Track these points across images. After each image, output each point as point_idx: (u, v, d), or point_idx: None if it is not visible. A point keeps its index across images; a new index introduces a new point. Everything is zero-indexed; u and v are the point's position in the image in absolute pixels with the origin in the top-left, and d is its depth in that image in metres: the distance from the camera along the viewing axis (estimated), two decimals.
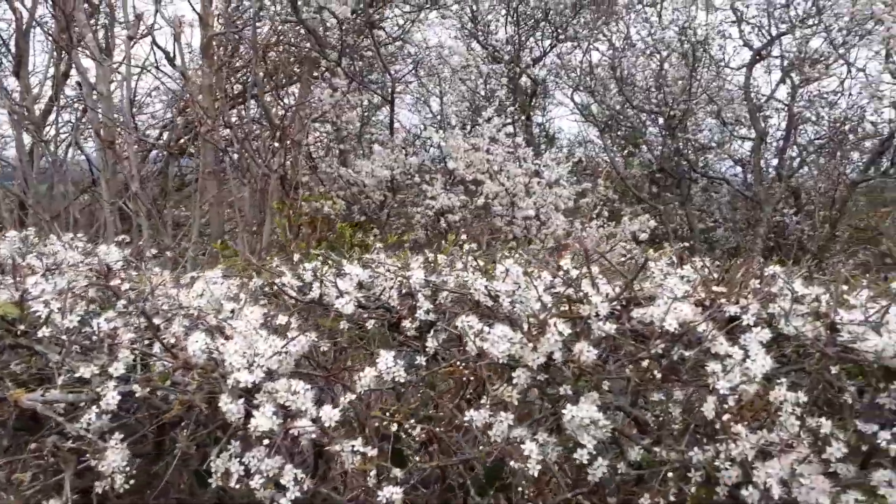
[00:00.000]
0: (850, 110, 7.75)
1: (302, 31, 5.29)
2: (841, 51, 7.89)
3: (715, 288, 1.58)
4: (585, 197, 7.57)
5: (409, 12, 5.84)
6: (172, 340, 1.41)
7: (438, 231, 5.36)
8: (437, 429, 1.34)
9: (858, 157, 7.94)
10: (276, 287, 1.69)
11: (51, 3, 5.19)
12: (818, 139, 8.22)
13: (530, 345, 1.28)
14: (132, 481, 1.25)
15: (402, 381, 1.28)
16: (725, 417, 1.23)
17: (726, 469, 1.30)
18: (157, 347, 1.38)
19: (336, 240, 3.48)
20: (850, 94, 8.11)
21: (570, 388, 1.30)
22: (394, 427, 1.41)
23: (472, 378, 1.45)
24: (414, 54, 8.95)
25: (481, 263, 1.61)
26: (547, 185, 5.64)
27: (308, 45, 5.42)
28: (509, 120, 10.11)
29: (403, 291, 1.56)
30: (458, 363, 1.42)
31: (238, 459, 1.29)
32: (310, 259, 1.95)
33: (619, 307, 1.43)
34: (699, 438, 1.33)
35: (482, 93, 9.96)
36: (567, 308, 1.36)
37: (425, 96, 10.17)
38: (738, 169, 9.88)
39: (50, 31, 5.65)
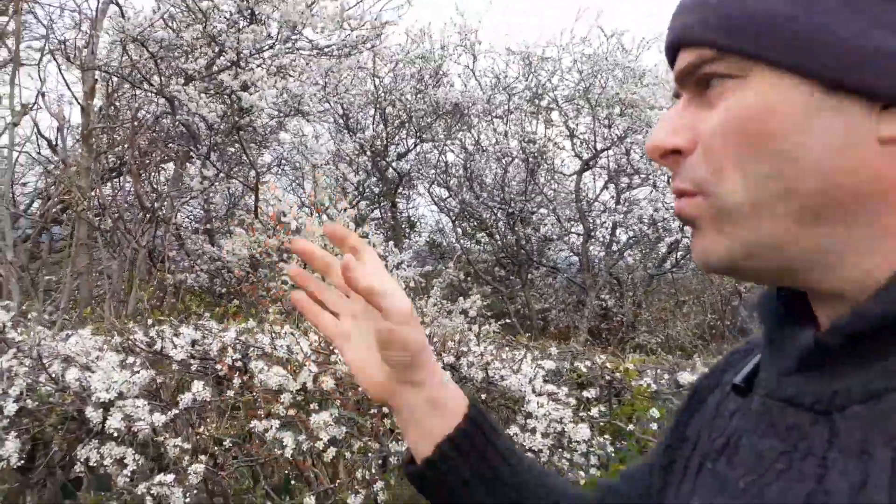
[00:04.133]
0: (656, 214, 9.32)
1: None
2: (649, 166, 9.58)
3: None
4: (439, 277, 8.59)
5: (274, 118, 6.73)
6: (53, 375, 2.09)
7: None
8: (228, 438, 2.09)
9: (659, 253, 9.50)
10: (130, 342, 2.40)
11: None
12: (633, 237, 9.76)
13: (292, 378, 2.08)
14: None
15: (209, 400, 2.03)
16: None
17: None
18: (42, 378, 2.05)
19: (190, 308, 4.13)
20: (659, 201, 9.77)
21: (317, 405, 2.11)
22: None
23: (263, 402, 2.22)
24: (289, 141, 9.85)
25: (276, 328, 2.41)
26: (396, 267, 6.56)
27: (182, 139, 6.14)
28: (376, 206, 11.13)
29: (220, 346, 2.32)
30: (253, 392, 2.19)
31: (97, 451, 1.98)
32: (162, 324, 2.67)
33: None
34: (399, 439, 2.16)
35: (353, 181, 10.96)
36: (320, 354, 2.18)
37: (299, 179, 11.02)
38: (575, 258, 11.36)
39: None
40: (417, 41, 10.18)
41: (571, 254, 11.68)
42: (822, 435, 0.42)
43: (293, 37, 6.29)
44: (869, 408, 0.40)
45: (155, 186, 5.97)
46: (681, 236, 6.74)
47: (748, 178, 0.43)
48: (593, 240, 10.38)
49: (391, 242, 6.45)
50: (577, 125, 10.08)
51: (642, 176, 10.13)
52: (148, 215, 5.47)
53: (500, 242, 9.92)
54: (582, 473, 2.11)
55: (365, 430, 2.18)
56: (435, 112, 9.75)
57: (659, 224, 8.90)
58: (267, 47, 5.86)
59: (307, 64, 6.07)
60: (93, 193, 5.50)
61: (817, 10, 0.41)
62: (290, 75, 5.98)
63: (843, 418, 0.41)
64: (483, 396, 2.28)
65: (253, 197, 6.12)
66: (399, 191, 11.00)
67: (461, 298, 7.40)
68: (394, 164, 10.67)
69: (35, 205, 8.02)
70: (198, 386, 2.05)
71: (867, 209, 0.41)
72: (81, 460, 1.98)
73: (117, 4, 5.61)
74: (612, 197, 10.32)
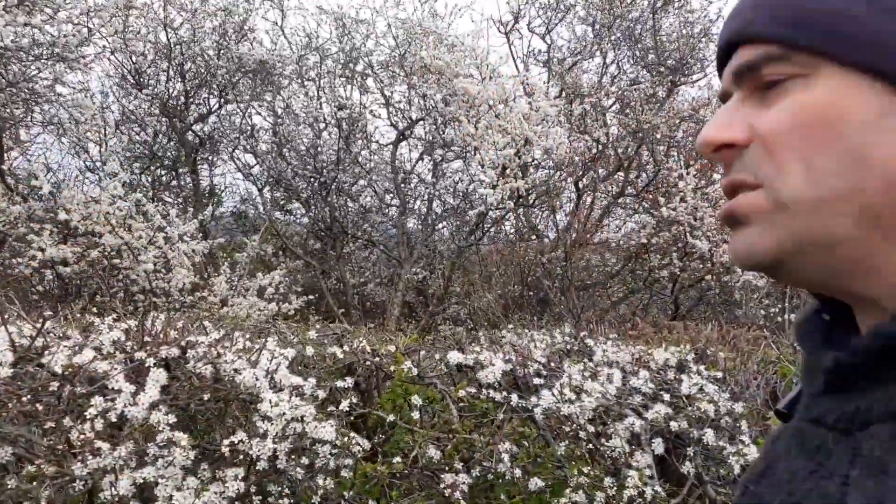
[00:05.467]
0: (469, 187, 9.32)
1: None
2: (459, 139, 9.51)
3: (147, 339, 2.00)
4: (243, 251, 7.91)
5: (32, 60, 5.67)
6: None
7: (54, 286, 5.22)
8: None
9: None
10: None
11: None
12: (446, 210, 9.70)
13: None
14: None
15: None
16: (89, 436, 1.63)
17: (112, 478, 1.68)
18: None
19: None
20: (471, 175, 9.78)
21: None
22: None
23: None
24: (66, 95, 8.54)
25: None
26: (179, 238, 5.86)
27: None
28: (173, 172, 10.11)
29: None
30: None
31: None
32: None
33: (35, 354, 1.75)
34: (84, 458, 1.70)
35: (147, 143, 9.83)
36: None
37: (83, 142, 9.67)
38: (394, 231, 11.14)
39: None
40: None
41: (391, 227, 11.46)
42: (844, 454, 0.42)
43: None
44: (889, 426, 0.40)
45: None
46: (485, 209, 6.69)
47: (814, 174, 0.44)
48: (410, 212, 10.20)
49: (173, 212, 5.73)
50: (392, 93, 9.76)
51: (455, 149, 10.10)
52: None
53: (313, 214, 9.39)
54: (321, 481, 1.79)
55: (40, 449, 1.69)
56: (239, 69, 8.94)
57: (470, 196, 8.90)
58: None
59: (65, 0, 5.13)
60: None
61: (888, 12, 0.42)
62: (44, 10, 5.03)
63: (865, 437, 0.41)
64: (206, 397, 1.87)
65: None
66: (200, 156, 10.05)
67: (259, 274, 6.85)
68: (194, 127, 9.71)
69: None
70: None
71: None
72: None
73: None
74: (429, 170, 10.18)
